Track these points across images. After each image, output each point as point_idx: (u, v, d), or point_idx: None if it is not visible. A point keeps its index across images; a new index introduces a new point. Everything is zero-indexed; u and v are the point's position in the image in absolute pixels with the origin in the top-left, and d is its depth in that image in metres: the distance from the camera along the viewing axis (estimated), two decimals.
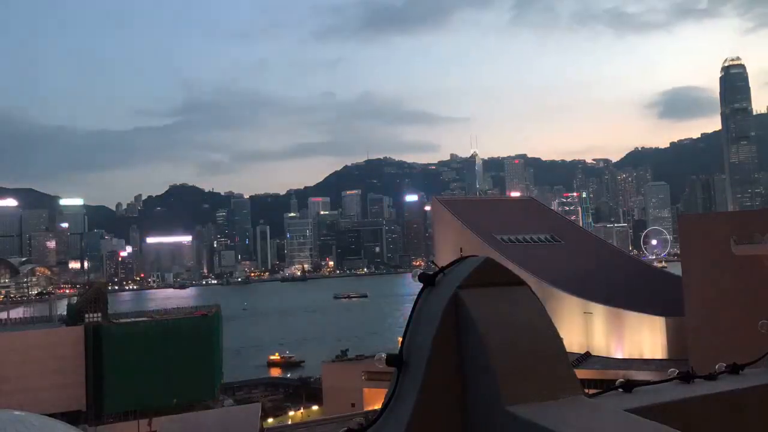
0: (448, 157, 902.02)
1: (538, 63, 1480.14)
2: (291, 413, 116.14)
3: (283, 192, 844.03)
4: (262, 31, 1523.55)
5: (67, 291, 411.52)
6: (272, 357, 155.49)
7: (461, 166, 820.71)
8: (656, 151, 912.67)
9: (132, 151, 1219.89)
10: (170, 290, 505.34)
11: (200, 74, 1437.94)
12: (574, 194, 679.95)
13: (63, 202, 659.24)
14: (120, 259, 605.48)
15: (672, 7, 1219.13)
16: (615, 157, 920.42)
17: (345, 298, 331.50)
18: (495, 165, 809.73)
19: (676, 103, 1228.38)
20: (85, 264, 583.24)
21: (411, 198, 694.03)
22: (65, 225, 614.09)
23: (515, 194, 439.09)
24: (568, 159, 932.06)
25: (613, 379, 5.07)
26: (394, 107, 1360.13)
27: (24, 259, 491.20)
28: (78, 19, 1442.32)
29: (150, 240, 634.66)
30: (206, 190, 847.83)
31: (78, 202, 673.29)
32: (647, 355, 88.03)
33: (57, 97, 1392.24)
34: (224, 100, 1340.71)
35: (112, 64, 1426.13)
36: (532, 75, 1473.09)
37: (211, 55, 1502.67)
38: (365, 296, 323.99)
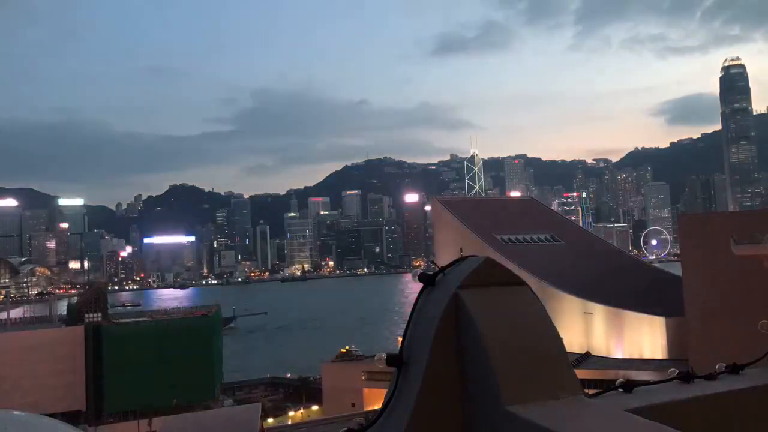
0: (448, 157, 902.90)
1: (569, 78, 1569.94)
2: (291, 413, 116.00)
3: (282, 192, 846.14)
4: (348, 52, 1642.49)
5: (68, 291, 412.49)
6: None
7: (461, 166, 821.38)
8: (656, 151, 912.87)
9: (201, 155, 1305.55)
10: (170, 290, 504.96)
11: (270, 85, 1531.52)
12: (574, 194, 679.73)
13: (63, 202, 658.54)
14: (120, 259, 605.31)
15: (709, 33, 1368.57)
16: (615, 157, 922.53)
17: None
18: (495, 165, 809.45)
19: (685, 108, 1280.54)
20: (85, 264, 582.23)
21: (411, 198, 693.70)
22: (65, 225, 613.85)
23: (515, 194, 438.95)
24: (568, 159, 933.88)
25: (613, 379, 5.07)
26: (438, 116, 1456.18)
27: (24, 259, 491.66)
28: (154, 31, 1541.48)
29: (150, 240, 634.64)
30: (206, 190, 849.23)
31: (78, 202, 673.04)
32: (647, 355, 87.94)
33: (132, 106, 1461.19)
34: (285, 110, 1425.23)
35: (185, 75, 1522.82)
36: (558, 87, 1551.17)
37: (284, 69, 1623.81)
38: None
